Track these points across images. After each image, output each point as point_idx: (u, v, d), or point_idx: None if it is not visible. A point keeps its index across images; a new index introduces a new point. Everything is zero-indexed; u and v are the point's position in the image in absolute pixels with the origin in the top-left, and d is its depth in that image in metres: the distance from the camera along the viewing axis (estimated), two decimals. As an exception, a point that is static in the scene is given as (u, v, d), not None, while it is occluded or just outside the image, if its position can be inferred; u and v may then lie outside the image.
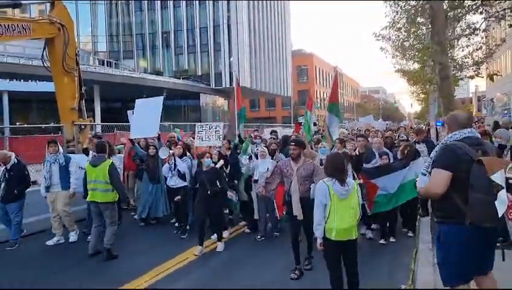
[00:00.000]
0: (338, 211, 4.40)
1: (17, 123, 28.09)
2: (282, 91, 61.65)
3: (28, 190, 7.80)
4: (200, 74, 50.75)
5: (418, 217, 8.19)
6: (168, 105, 48.13)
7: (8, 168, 7.52)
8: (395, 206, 7.27)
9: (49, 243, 7.67)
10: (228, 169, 8.18)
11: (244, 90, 51.15)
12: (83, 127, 10.47)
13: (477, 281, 3.58)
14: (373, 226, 7.70)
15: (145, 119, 8.64)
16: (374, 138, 9.12)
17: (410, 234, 7.52)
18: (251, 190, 7.99)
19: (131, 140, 9.24)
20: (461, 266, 3.43)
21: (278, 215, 7.37)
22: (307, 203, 5.69)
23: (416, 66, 21.66)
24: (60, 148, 7.95)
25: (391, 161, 7.56)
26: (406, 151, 7.49)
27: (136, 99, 9.33)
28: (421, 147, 8.07)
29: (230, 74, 48.62)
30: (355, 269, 4.60)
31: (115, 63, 46.78)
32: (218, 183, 7.16)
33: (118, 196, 7.00)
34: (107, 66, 41.55)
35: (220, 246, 7.13)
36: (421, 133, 9.40)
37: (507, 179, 3.12)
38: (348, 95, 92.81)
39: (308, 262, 6.08)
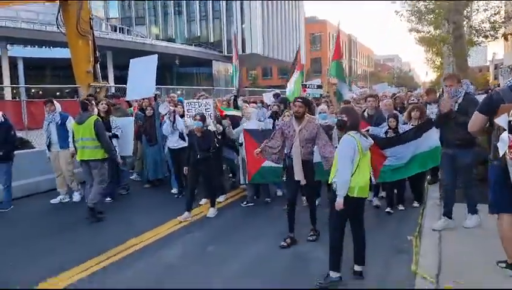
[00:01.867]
0: (361, 167, 4.28)
1: (32, 90, 28.37)
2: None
3: (33, 150, 8.03)
4: (212, 40, 50.33)
5: (426, 184, 8.10)
6: (181, 72, 48.15)
7: None
8: (401, 178, 7.02)
9: (54, 201, 7.88)
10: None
11: (257, 57, 50.79)
12: (98, 89, 10.66)
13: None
14: (380, 194, 7.53)
15: (141, 79, 8.54)
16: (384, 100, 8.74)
17: (416, 204, 7.26)
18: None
19: (127, 102, 9.24)
20: (496, 199, 4.16)
21: (248, 177, 7.27)
22: (309, 167, 5.61)
23: (432, 29, 21.25)
24: (57, 107, 7.90)
25: (399, 123, 7.19)
26: (412, 115, 7.08)
27: (131, 59, 9.27)
28: (433, 108, 7.69)
29: (243, 40, 48.14)
30: (363, 226, 4.60)
31: (127, 30, 46.54)
32: (210, 147, 6.95)
33: (107, 153, 6.98)
34: (119, 32, 41.35)
35: (211, 212, 6.97)
36: (431, 93, 8.94)
37: (509, 121, 3.64)
38: (362, 63, 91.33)
39: (314, 233, 5.76)
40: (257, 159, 6.73)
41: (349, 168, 4.19)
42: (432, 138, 6.68)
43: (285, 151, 5.72)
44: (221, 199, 7.71)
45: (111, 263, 5.18)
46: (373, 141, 4.42)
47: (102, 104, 8.04)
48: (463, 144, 5.43)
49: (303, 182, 5.55)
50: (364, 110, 7.76)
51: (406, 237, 5.76)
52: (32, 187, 8.57)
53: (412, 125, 7.02)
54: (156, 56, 8.78)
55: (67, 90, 23.63)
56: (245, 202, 7.50)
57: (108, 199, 7.99)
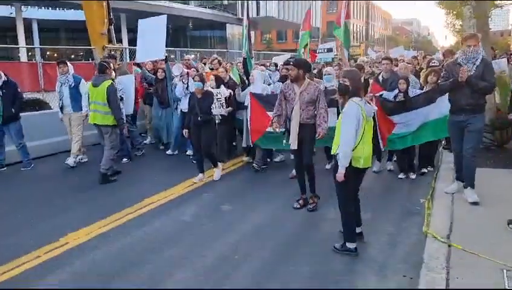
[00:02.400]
0: (366, 136, 4.07)
1: (47, 52, 28.39)
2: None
3: (51, 110, 8.17)
4: (226, 3, 49.35)
5: (441, 149, 7.98)
6: (194, 35, 47.55)
7: (1, 84, 7.42)
8: (410, 145, 6.78)
9: (69, 162, 7.75)
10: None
11: (271, 20, 49.77)
12: (113, 52, 10.64)
13: None
14: (388, 166, 7.40)
15: (150, 41, 8.38)
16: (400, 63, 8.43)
17: (427, 169, 7.09)
18: None
19: (138, 64, 9.09)
20: None
21: (251, 141, 7.24)
22: (308, 132, 5.41)
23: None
24: (70, 69, 7.86)
25: (410, 87, 6.77)
26: (429, 79, 6.75)
27: (139, 20, 9.06)
28: None
29: (257, 3, 47.07)
30: (357, 192, 4.53)
31: (141, -8, 45.71)
32: (210, 110, 6.79)
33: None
34: (133, -6, 40.69)
35: (217, 174, 6.91)
36: (449, 55, 8.52)
37: None
38: (380, 27, 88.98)
39: (313, 201, 5.62)
40: (261, 123, 6.84)
41: (353, 138, 3.98)
42: (445, 103, 6.27)
43: (287, 114, 5.60)
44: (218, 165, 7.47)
45: (128, 220, 5.35)
46: (377, 108, 4.31)
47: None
48: (476, 109, 5.31)
49: (294, 146, 5.44)
50: (379, 74, 7.50)
51: (418, 200, 5.81)
52: (49, 148, 8.73)
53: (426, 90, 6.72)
54: (165, 16, 8.60)
55: (81, 53, 23.63)
56: (256, 165, 7.41)
57: (125, 159, 8.14)
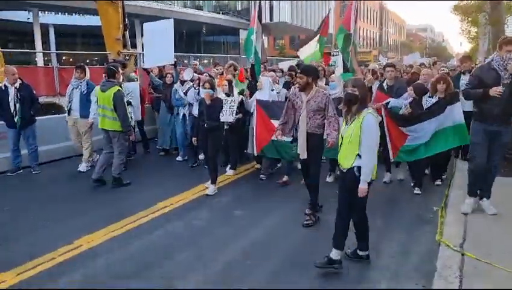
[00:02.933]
0: None
1: (63, 57, 28.81)
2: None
3: (59, 115, 8.17)
4: (239, 8, 49.64)
5: (455, 161, 7.74)
6: (208, 41, 47.88)
7: (18, 87, 7.42)
8: (421, 157, 6.42)
9: (81, 169, 7.80)
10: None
11: (285, 26, 49.89)
12: (127, 57, 10.77)
13: None
14: (399, 176, 7.07)
15: (158, 45, 8.10)
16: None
17: (438, 182, 6.83)
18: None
19: (145, 69, 8.94)
20: None
21: (256, 149, 7.02)
22: (316, 142, 5.22)
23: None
24: (87, 75, 7.87)
25: (428, 94, 6.48)
26: (439, 88, 6.34)
27: (144, 24, 8.89)
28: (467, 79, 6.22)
29: (271, 8, 47.25)
30: None
31: (155, -3, 46.27)
32: (218, 117, 6.55)
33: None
34: None
35: (211, 189, 6.51)
36: (466, 61, 8.02)
37: None
38: (393, 33, 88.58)
39: (310, 218, 5.29)
40: (267, 131, 6.68)
41: (376, 152, 3.90)
42: (456, 112, 6.20)
43: (295, 123, 5.43)
44: (230, 172, 7.57)
45: (141, 224, 5.40)
46: (380, 118, 4.20)
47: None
48: (509, 119, 5.04)
49: (303, 156, 5.24)
50: (383, 81, 7.14)
51: (431, 207, 5.77)
52: (64, 151, 8.77)
53: (439, 98, 6.37)
54: (171, 20, 8.37)
55: (96, 58, 23.96)
56: (263, 176, 7.30)
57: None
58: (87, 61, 22.92)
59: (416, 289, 3.77)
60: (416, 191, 6.44)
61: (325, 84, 7.85)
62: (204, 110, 6.54)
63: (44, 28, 28.08)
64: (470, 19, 27.22)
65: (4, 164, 7.78)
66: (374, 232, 4.92)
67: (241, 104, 7.38)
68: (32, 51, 23.51)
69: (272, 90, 7.52)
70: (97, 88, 7.03)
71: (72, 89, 7.83)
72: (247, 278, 4.02)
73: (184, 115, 8.32)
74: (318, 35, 10.01)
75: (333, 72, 8.68)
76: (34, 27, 26.74)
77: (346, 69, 8.18)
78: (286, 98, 6.93)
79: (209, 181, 6.65)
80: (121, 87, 7.07)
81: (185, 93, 8.03)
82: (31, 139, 7.70)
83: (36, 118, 7.85)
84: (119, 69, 7.32)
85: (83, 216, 5.67)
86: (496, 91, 4.77)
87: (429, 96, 6.51)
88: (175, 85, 8.39)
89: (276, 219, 5.57)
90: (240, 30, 48.65)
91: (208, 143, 6.53)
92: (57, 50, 29.82)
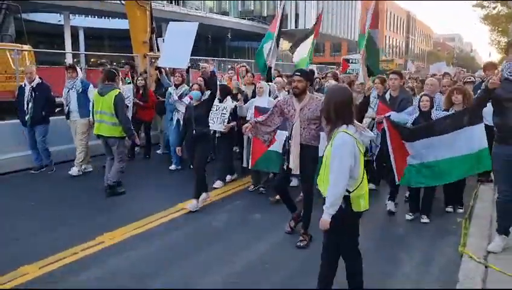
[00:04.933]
0: (362, 171, 3.24)
1: (91, 59, 29.49)
2: (348, 35, 59.25)
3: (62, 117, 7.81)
4: (265, 15, 49.90)
5: (478, 185, 6.82)
6: (233, 46, 48.30)
7: (34, 86, 7.37)
8: (428, 185, 5.48)
9: (73, 173, 7.52)
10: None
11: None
12: (153, 60, 10.95)
13: None
14: (390, 207, 5.91)
15: (177, 47, 7.80)
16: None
17: (460, 210, 5.89)
18: None
19: (159, 68, 8.68)
20: None
21: (250, 164, 6.58)
22: (311, 154, 4.69)
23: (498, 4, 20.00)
24: (79, 73, 7.63)
25: (435, 108, 5.66)
26: (454, 99, 5.56)
27: (170, 22, 8.74)
28: None
29: (296, 15, 47.39)
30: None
31: (183, 2, 47.02)
32: (207, 122, 6.13)
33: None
34: (175, 4, 41.91)
35: (192, 205, 5.84)
36: (491, 68, 7.19)
37: None
38: (420, 42, 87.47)
39: (304, 238, 4.78)
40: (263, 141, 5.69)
41: (346, 179, 3.11)
42: (477, 136, 5.15)
43: (287, 134, 4.95)
44: (227, 178, 7.22)
45: (161, 223, 5.48)
46: (373, 135, 3.40)
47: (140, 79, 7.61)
48: None
49: (296, 171, 4.71)
50: (386, 92, 6.33)
51: (455, 219, 5.65)
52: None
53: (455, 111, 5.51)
54: (196, 24, 8.12)
55: (122, 61, 24.45)
56: (262, 188, 6.77)
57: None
58: (114, 63, 23.39)
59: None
60: (408, 216, 5.61)
61: None
62: (191, 116, 5.97)
63: (75, 30, 28.84)
64: (500, 29, 26.71)
65: (29, 161, 7.85)
66: (394, 241, 4.91)
67: (234, 112, 6.98)
68: (61, 51, 24.14)
69: (276, 97, 7.09)
70: (95, 92, 6.73)
71: (68, 91, 7.58)
72: (265, 282, 4.01)
73: (178, 121, 7.74)
74: (312, 37, 9.27)
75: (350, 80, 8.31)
76: (65, 29, 27.50)
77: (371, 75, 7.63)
78: None
79: (203, 195, 6.05)
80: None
81: (180, 98, 7.54)
82: (41, 139, 7.56)
83: (55, 117, 7.80)
84: (120, 72, 7.08)
85: (105, 215, 5.77)
86: (493, 81, 4.12)
87: (442, 110, 5.76)
88: (170, 88, 8.14)
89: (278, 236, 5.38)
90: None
91: (195, 152, 6.00)
92: (86, 52, 30.54)
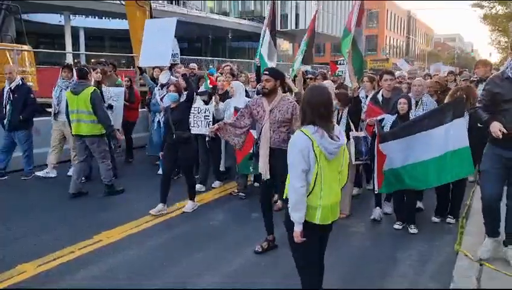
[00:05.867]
0: (326, 180, 2.91)
1: (92, 59, 29.55)
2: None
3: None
4: (265, 15, 49.99)
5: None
6: (233, 46, 48.33)
7: (12, 88, 7.05)
8: (414, 188, 5.19)
9: (39, 173, 7.38)
10: None
11: (310, 33, 49.94)
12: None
13: None
14: (386, 209, 5.76)
15: (157, 44, 7.45)
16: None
17: (451, 220, 5.47)
18: None
19: (140, 68, 8.40)
20: None
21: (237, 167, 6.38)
22: (281, 159, 3.81)
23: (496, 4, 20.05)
24: (75, 76, 7.16)
25: (412, 110, 5.37)
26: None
27: (146, 20, 8.46)
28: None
29: (297, 16, 47.42)
30: (323, 262, 3.27)
31: (183, 3, 47.08)
32: (187, 126, 5.95)
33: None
34: (175, 4, 41.96)
35: (188, 206, 5.84)
36: (484, 66, 6.88)
37: None
38: (421, 42, 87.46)
39: (268, 244, 4.63)
40: (246, 143, 5.32)
41: (299, 181, 2.85)
42: (461, 131, 4.82)
43: (255, 136, 4.77)
44: (216, 184, 7.03)
45: (159, 223, 5.52)
46: (344, 141, 2.96)
47: (97, 72, 7.08)
48: None
49: (266, 176, 4.44)
50: (378, 92, 6.04)
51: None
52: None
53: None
54: (175, 19, 7.77)
55: (123, 61, 24.48)
56: (236, 191, 6.63)
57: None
58: (115, 63, 23.37)
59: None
60: (396, 225, 5.30)
61: None
62: (169, 118, 5.74)
63: (75, 30, 28.86)
64: (500, 29, 26.74)
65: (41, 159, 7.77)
66: (392, 239, 4.92)
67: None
68: (61, 51, 24.17)
69: (247, 96, 6.80)
70: (67, 92, 6.50)
71: (61, 91, 7.24)
72: (262, 279, 4.03)
73: (159, 122, 7.52)
74: (304, 37, 8.98)
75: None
76: (65, 30, 27.51)
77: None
78: None
79: (157, 206, 5.80)
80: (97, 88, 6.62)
81: (162, 99, 7.36)
82: (21, 144, 7.26)
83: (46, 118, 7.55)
84: (92, 70, 6.84)
85: (101, 214, 5.81)
86: (498, 133, 3.73)
87: (420, 111, 5.50)
88: (155, 89, 7.99)
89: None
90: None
91: (180, 158, 5.83)
92: (86, 52, 30.56)
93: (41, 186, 7.14)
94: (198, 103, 6.73)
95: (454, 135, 4.84)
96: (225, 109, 6.51)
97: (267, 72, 4.42)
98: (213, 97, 6.72)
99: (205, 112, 6.67)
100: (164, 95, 7.24)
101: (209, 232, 5.23)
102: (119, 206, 6.16)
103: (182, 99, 5.87)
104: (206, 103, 6.76)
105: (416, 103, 5.58)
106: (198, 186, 6.51)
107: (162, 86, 7.61)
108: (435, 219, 5.54)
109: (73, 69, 7.25)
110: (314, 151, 2.82)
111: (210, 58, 18.74)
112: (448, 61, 61.28)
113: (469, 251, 4.31)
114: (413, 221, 5.25)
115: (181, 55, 9.48)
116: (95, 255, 4.53)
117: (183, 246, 4.78)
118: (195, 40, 40.88)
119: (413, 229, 5.16)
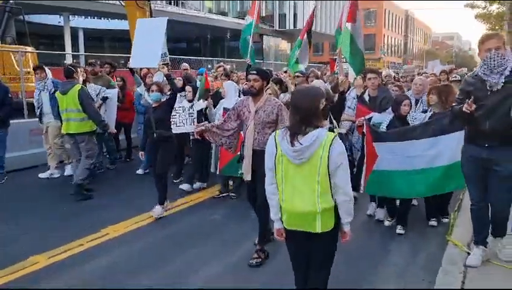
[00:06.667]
0: (288, 183, 2.85)
1: (92, 60, 29.65)
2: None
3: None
4: (263, 15, 50.07)
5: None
6: (232, 46, 48.52)
7: None
8: (399, 197, 5.16)
9: (42, 175, 7.47)
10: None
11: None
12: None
13: None
14: (378, 215, 5.60)
15: (147, 45, 7.26)
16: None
17: (439, 220, 5.45)
18: None
19: (131, 69, 8.10)
20: None
21: (218, 168, 6.35)
22: (263, 160, 3.40)
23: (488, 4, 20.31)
24: (49, 74, 7.32)
25: (412, 109, 5.34)
26: (430, 100, 5.12)
27: (138, 20, 8.31)
28: None
29: (295, 15, 47.61)
30: (319, 278, 3.04)
31: (181, 3, 47.20)
32: (169, 125, 5.88)
33: (95, 125, 6.43)
34: (174, 5, 42.15)
35: (157, 211, 5.64)
36: (444, 73, 6.90)
37: None
38: (419, 41, 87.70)
39: (258, 255, 4.40)
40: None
41: (269, 180, 2.95)
42: (456, 144, 4.54)
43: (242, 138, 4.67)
44: (196, 185, 6.92)
45: (161, 218, 5.74)
46: (315, 146, 2.74)
47: (81, 71, 7.01)
48: (508, 139, 3.70)
49: (247, 177, 4.37)
50: (364, 92, 6.05)
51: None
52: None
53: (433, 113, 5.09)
54: (165, 19, 7.68)
55: (122, 61, 24.68)
56: (218, 193, 6.56)
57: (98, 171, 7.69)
58: (116, 64, 23.52)
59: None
60: (386, 223, 5.37)
61: None
62: (151, 118, 5.70)
63: (74, 31, 29.03)
64: (497, 27, 26.97)
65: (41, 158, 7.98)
66: (386, 231, 5.13)
67: (205, 111, 6.69)
68: (61, 52, 24.34)
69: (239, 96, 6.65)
70: (57, 92, 6.53)
71: (40, 93, 7.27)
72: (257, 275, 4.24)
73: None
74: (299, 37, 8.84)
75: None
76: (65, 30, 27.68)
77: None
78: None
79: (155, 208, 5.74)
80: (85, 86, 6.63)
81: None
82: None
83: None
84: (78, 69, 6.79)
85: (108, 209, 6.04)
86: (467, 107, 3.64)
87: (422, 111, 5.46)
88: (138, 89, 7.95)
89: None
90: (264, 36, 49.16)
91: (158, 157, 5.72)
92: (85, 52, 30.71)
93: (46, 186, 7.32)
94: (183, 102, 6.75)
95: (452, 146, 4.67)
96: (217, 110, 6.47)
97: (255, 72, 4.32)
98: (206, 101, 6.68)
99: (189, 110, 6.63)
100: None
101: (209, 227, 5.45)
102: (122, 203, 6.37)
103: (163, 99, 5.87)
104: (191, 101, 6.73)
105: (416, 101, 5.65)
106: (186, 186, 6.71)
107: (149, 86, 7.42)
108: (433, 223, 5.40)
109: (46, 69, 7.31)
110: (277, 151, 2.85)
111: (209, 58, 18.92)
112: (447, 60, 61.39)
113: (459, 240, 4.53)
114: (404, 221, 5.21)
115: (180, 55, 9.66)
116: (102, 247, 4.77)
117: (185, 240, 5.02)
118: (194, 40, 41.10)
119: (400, 230, 5.15)
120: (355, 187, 5.58)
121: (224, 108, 6.12)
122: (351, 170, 6.18)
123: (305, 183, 2.78)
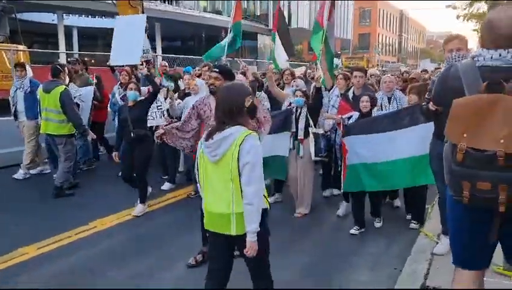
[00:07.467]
0: (207, 183, 2.80)
1: (85, 58, 29.71)
2: (341, 33, 59.73)
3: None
4: (258, 13, 50.29)
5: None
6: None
7: None
8: (374, 190, 5.21)
9: (16, 176, 7.32)
10: None
11: (303, 32, 50.33)
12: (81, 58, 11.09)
13: None
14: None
15: (127, 43, 7.18)
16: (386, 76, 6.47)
17: (414, 225, 5.27)
18: None
19: (111, 67, 8.03)
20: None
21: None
22: None
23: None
24: (29, 73, 7.23)
25: (376, 108, 5.42)
26: (409, 99, 5.16)
27: (116, 17, 8.35)
28: None
29: (289, 15, 47.80)
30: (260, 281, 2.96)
31: (175, 2, 47.28)
32: (146, 123, 5.86)
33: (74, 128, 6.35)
34: (168, 3, 42.22)
35: (138, 209, 5.69)
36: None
37: None
38: (413, 40, 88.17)
39: (204, 255, 4.28)
40: None
41: (198, 176, 2.89)
42: (425, 135, 4.33)
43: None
44: (166, 186, 6.89)
45: (147, 212, 5.92)
46: (228, 144, 2.65)
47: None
48: None
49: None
50: (349, 89, 6.09)
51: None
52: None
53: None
54: (144, 16, 7.62)
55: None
56: (193, 193, 6.31)
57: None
58: (108, 62, 23.60)
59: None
60: (353, 230, 5.15)
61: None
62: (127, 117, 5.62)
63: (68, 29, 29.10)
64: (478, 27, 27.35)
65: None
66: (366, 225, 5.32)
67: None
68: (55, 51, 24.43)
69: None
70: (39, 89, 6.47)
71: (16, 90, 7.18)
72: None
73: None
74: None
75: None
76: (58, 29, 27.74)
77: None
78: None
79: (137, 207, 5.78)
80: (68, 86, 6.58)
81: (123, 98, 7.14)
82: None
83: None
84: (66, 68, 6.77)
85: (98, 202, 6.23)
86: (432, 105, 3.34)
87: (384, 109, 5.52)
88: (114, 87, 7.94)
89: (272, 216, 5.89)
90: (258, 35, 49.29)
91: (136, 156, 5.66)
92: (79, 51, 30.78)
93: (34, 183, 7.41)
94: (161, 99, 6.74)
95: (421, 138, 4.56)
96: (183, 107, 6.35)
97: (217, 70, 4.15)
98: (168, 93, 6.68)
99: (157, 102, 6.52)
100: (123, 94, 7.04)
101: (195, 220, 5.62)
102: (109, 197, 6.56)
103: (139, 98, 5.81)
104: (165, 98, 6.68)
105: (389, 99, 5.83)
106: (167, 185, 6.82)
107: (123, 84, 7.41)
108: (413, 225, 5.28)
109: (27, 67, 7.25)
110: (200, 149, 2.80)
111: (201, 57, 19.06)
112: (441, 58, 61.76)
113: (431, 231, 4.74)
114: (378, 213, 5.37)
115: (176, 54, 9.73)
116: (90, 239, 4.97)
117: (172, 230, 5.22)
118: (189, 38, 41.21)
119: (377, 223, 5.33)
120: (339, 186, 5.91)
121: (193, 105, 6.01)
122: (329, 170, 6.48)
123: (220, 182, 2.69)
